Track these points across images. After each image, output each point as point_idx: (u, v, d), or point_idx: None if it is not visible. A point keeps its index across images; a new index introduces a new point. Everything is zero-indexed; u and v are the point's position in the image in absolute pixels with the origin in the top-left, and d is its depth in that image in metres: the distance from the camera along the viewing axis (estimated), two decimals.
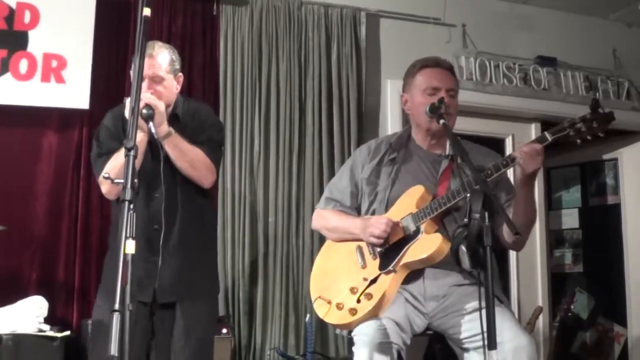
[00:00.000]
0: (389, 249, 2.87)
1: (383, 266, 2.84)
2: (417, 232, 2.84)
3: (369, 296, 2.78)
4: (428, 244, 2.79)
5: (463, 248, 2.41)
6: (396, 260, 2.82)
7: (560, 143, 2.77)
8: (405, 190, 2.96)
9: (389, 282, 2.79)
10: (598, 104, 2.70)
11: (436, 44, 5.18)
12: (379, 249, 2.89)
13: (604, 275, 6.20)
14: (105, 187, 3.06)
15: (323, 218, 3.20)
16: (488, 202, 2.33)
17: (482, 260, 2.32)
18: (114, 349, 1.81)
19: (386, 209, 2.97)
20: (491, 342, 2.25)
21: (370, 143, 3.25)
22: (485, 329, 2.31)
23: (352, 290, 2.84)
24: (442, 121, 2.80)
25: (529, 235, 2.98)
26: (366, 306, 2.76)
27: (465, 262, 2.42)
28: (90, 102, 4.26)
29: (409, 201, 2.91)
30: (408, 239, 2.85)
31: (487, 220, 2.29)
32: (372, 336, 2.66)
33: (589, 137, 2.71)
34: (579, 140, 2.72)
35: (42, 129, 4.31)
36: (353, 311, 2.78)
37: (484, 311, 2.32)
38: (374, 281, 2.82)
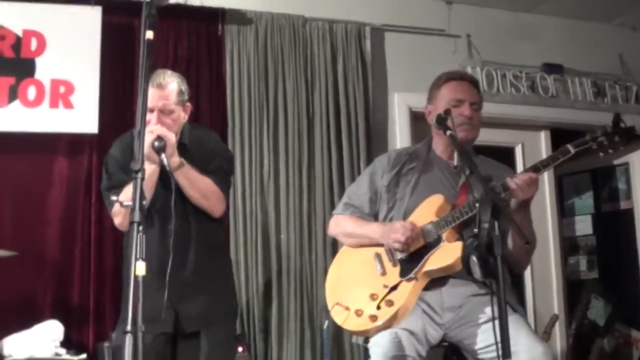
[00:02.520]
0: (410, 256, 2.87)
1: (404, 273, 2.84)
2: (438, 240, 2.85)
3: (390, 303, 2.78)
4: (450, 252, 2.79)
5: (474, 258, 2.40)
6: (418, 267, 2.82)
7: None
8: (423, 199, 2.97)
9: (409, 290, 2.79)
10: (620, 119, 2.75)
11: (442, 56, 5.19)
12: (399, 257, 2.89)
13: (620, 280, 6.15)
14: (117, 219, 3.04)
15: (340, 224, 3.20)
16: (497, 212, 2.32)
17: (493, 269, 2.31)
18: None
19: (404, 217, 2.97)
20: (505, 351, 2.24)
21: (391, 152, 3.29)
22: (499, 338, 2.30)
23: (372, 297, 2.84)
24: (448, 132, 2.79)
25: (527, 260, 3.04)
26: (387, 313, 2.76)
27: (477, 272, 2.41)
28: (99, 126, 4.29)
29: (429, 210, 2.92)
30: (429, 246, 2.86)
31: (496, 229, 2.29)
32: (386, 348, 2.66)
33: (610, 151, 2.75)
34: (601, 154, 2.75)
35: (52, 154, 4.33)
36: (373, 318, 2.78)
37: (497, 321, 2.31)
38: (394, 288, 2.82)
